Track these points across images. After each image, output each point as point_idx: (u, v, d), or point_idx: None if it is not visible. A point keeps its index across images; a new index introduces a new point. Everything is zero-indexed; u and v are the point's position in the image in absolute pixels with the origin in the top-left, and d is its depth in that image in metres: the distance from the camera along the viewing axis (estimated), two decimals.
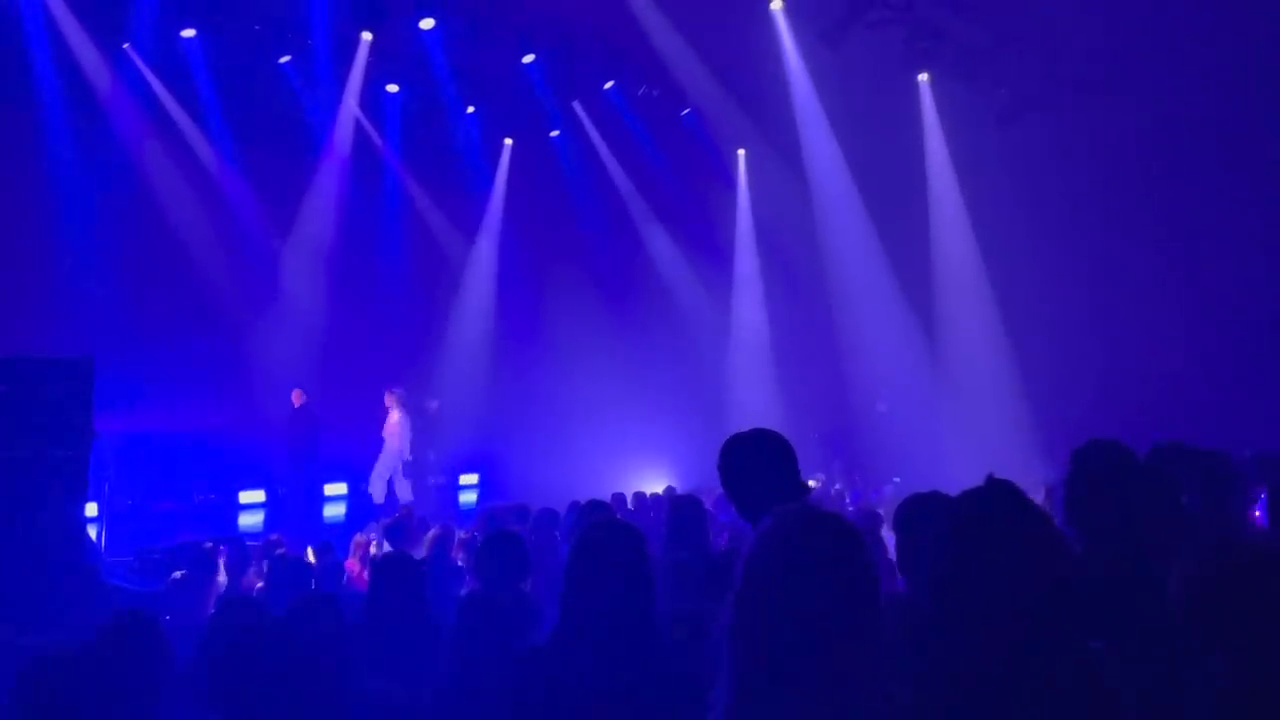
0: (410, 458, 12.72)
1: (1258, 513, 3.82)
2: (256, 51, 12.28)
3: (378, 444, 12.71)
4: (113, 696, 2.81)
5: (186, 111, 12.54)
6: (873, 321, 14.46)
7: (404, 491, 12.38)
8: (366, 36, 12.40)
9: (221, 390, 12.50)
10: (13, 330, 9.75)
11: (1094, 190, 12.75)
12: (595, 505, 5.42)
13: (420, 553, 6.07)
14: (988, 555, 1.79)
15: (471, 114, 14.35)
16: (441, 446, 14.16)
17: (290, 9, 11.72)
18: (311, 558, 7.10)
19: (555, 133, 15.35)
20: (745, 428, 3.03)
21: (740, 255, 16.57)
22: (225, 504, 11.99)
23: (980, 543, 1.82)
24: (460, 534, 6.98)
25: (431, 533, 6.53)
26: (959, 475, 3.47)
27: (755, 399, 13.76)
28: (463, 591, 4.99)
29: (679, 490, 9.81)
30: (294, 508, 11.62)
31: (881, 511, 6.82)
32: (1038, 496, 3.38)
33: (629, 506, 9.18)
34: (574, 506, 6.00)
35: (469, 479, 14.94)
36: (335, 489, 13.01)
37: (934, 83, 14.08)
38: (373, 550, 7.08)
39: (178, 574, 6.24)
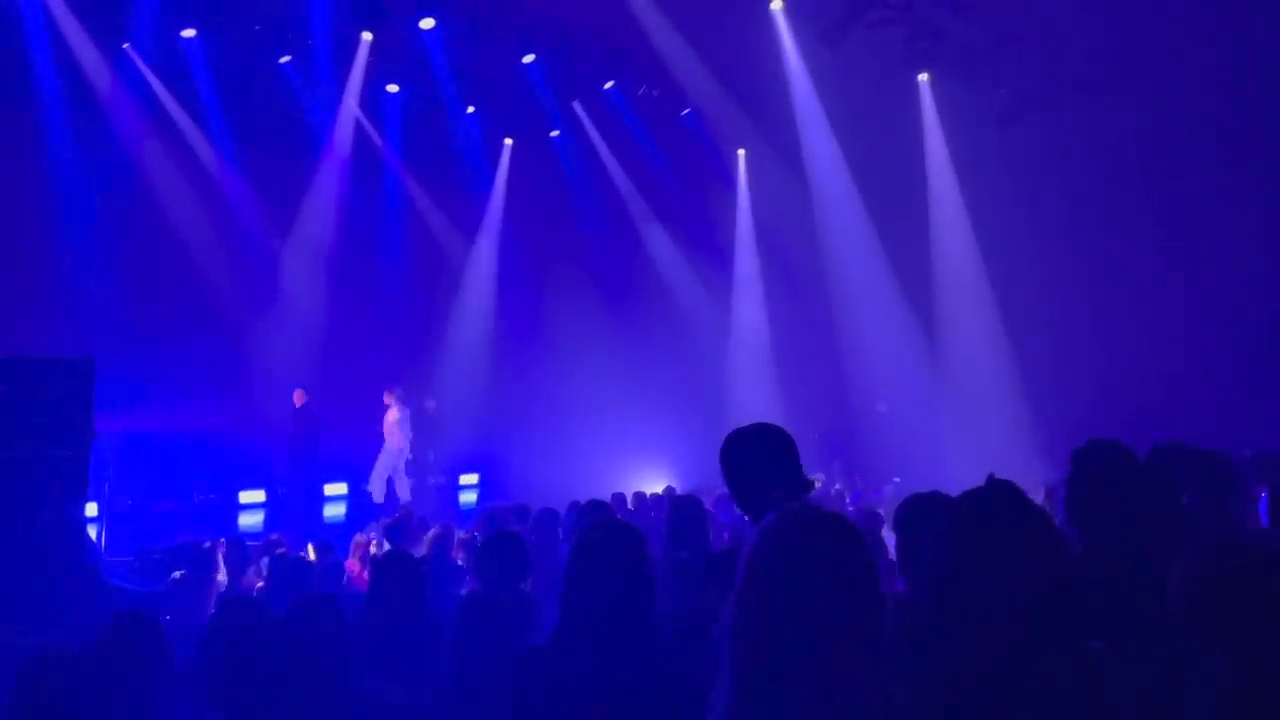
0: (411, 455, 12.73)
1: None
2: (256, 51, 12.28)
3: (378, 444, 12.73)
4: (113, 696, 2.81)
5: (186, 111, 12.54)
6: (873, 321, 14.45)
7: (404, 491, 12.39)
8: (366, 36, 12.40)
9: (221, 390, 12.50)
10: (13, 330, 9.75)
11: (1094, 190, 12.74)
12: (595, 505, 5.42)
13: (420, 552, 6.07)
14: (988, 555, 1.79)
15: (471, 114, 14.35)
16: (441, 446, 14.17)
17: (290, 9, 11.72)
18: (311, 554, 7.10)
19: (555, 133, 15.35)
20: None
21: (740, 255, 16.56)
22: (225, 504, 12.00)
23: (981, 543, 1.82)
24: (460, 534, 6.98)
25: (431, 532, 6.53)
26: (959, 475, 3.47)
27: (755, 399, 13.75)
28: (463, 591, 4.99)
29: (679, 490, 9.82)
30: (294, 508, 11.63)
31: (881, 511, 6.83)
32: (1038, 496, 3.38)
33: (629, 506, 9.18)
34: (574, 506, 6.00)
35: (469, 479, 14.94)
36: (335, 489, 13.02)
37: (934, 83, 14.08)
38: (373, 550, 7.08)
39: (177, 574, 6.25)
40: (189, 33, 11.77)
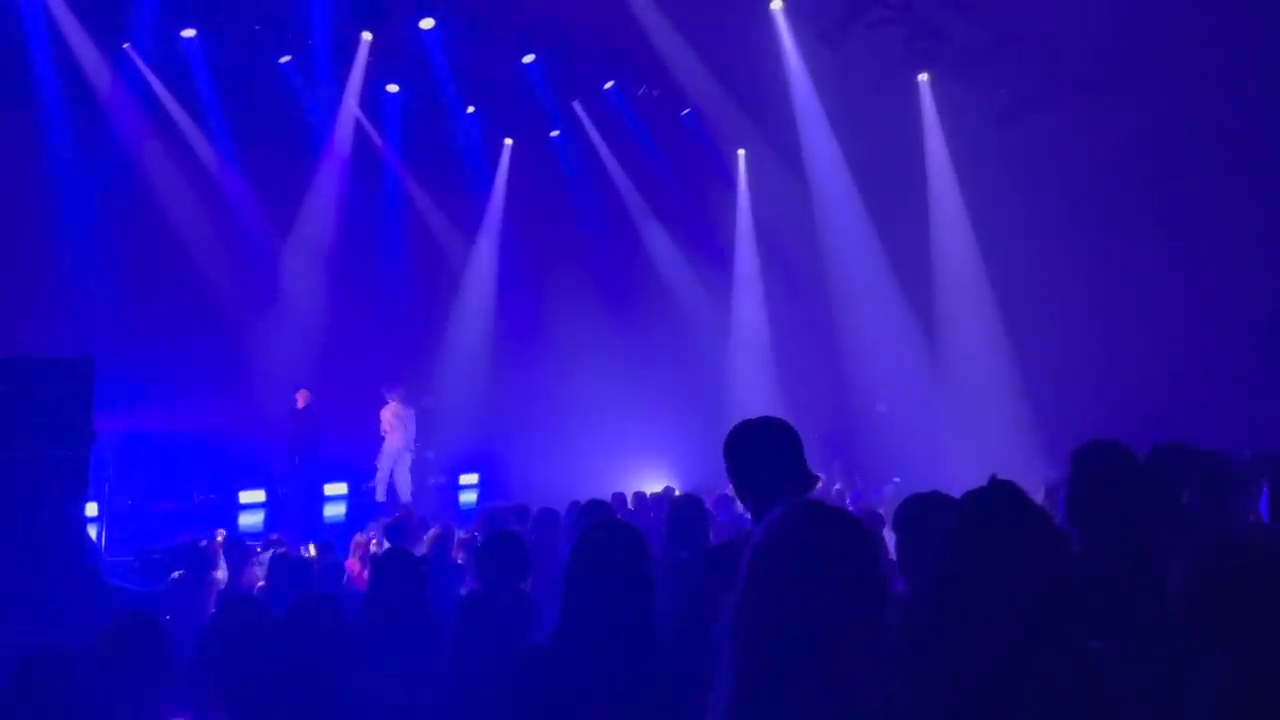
0: (413, 451, 12.73)
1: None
2: (256, 51, 12.27)
3: (378, 444, 12.74)
4: (113, 696, 2.81)
5: (186, 111, 12.54)
6: (873, 321, 14.45)
7: (405, 491, 12.39)
8: (366, 36, 12.40)
9: (221, 390, 12.50)
10: (13, 330, 9.75)
11: (1094, 190, 12.74)
12: (595, 505, 5.42)
13: (420, 552, 6.07)
14: (990, 555, 1.79)
15: (471, 114, 14.34)
16: (441, 446, 14.17)
17: (290, 9, 11.72)
18: (312, 551, 7.11)
19: (555, 133, 15.34)
20: None
21: (740, 255, 16.56)
22: (225, 504, 12.00)
23: (983, 543, 1.82)
24: (460, 534, 6.98)
25: (431, 532, 6.54)
26: (959, 475, 3.47)
27: (755, 399, 13.72)
28: (463, 591, 4.99)
29: (678, 490, 9.82)
30: (294, 508, 11.63)
31: (881, 511, 6.83)
32: (1038, 496, 3.38)
33: (629, 506, 9.18)
34: (574, 506, 6.00)
35: (469, 479, 14.95)
36: (335, 489, 13.02)
37: (934, 83, 14.07)
38: (373, 550, 7.08)
39: (176, 574, 6.25)
40: (189, 33, 11.77)
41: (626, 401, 14.17)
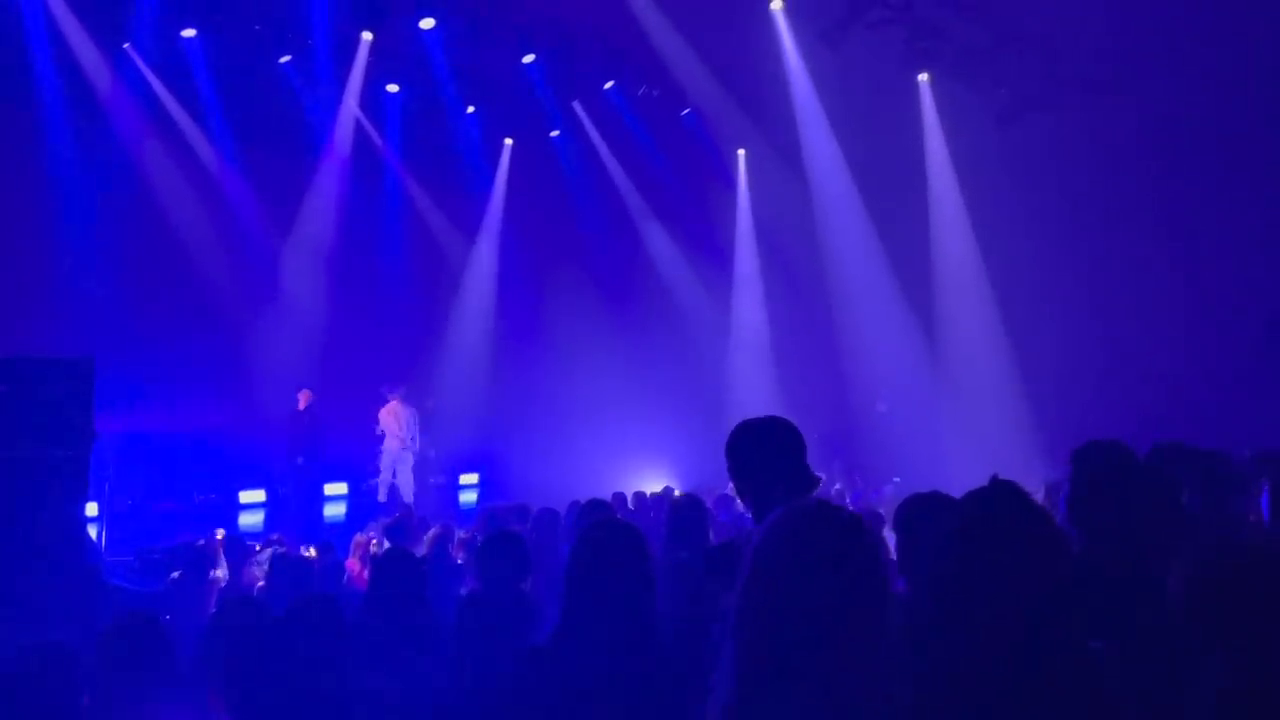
0: (416, 451, 12.72)
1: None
2: (256, 51, 12.27)
3: (377, 444, 12.75)
4: (115, 696, 2.81)
5: (186, 111, 12.53)
6: (873, 321, 14.45)
7: (407, 490, 12.37)
8: (366, 36, 12.40)
9: (221, 390, 12.49)
10: (13, 330, 9.75)
11: (1094, 190, 12.74)
12: (595, 505, 5.42)
13: (420, 552, 6.07)
14: (991, 555, 1.79)
15: (471, 114, 14.34)
16: (441, 446, 14.17)
17: (290, 9, 11.72)
18: (311, 553, 7.12)
19: (555, 133, 15.34)
20: None
21: (740, 255, 16.56)
22: (225, 504, 12.00)
23: (984, 543, 1.82)
24: (460, 533, 6.99)
25: (432, 532, 6.54)
26: (959, 475, 3.47)
27: (755, 399, 13.73)
28: (463, 591, 5.00)
29: (678, 490, 9.83)
30: (294, 508, 11.63)
31: (882, 511, 6.83)
32: (1037, 496, 3.38)
33: (629, 506, 9.18)
34: (574, 506, 6.00)
35: (469, 479, 14.95)
36: (335, 489, 13.01)
37: (934, 83, 14.07)
38: (373, 549, 7.09)
39: (175, 574, 6.26)
40: (189, 33, 11.77)
41: (626, 401, 14.17)
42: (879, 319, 14.40)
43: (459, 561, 6.26)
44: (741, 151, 16.24)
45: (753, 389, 14.73)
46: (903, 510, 3.04)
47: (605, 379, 14.36)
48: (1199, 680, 1.90)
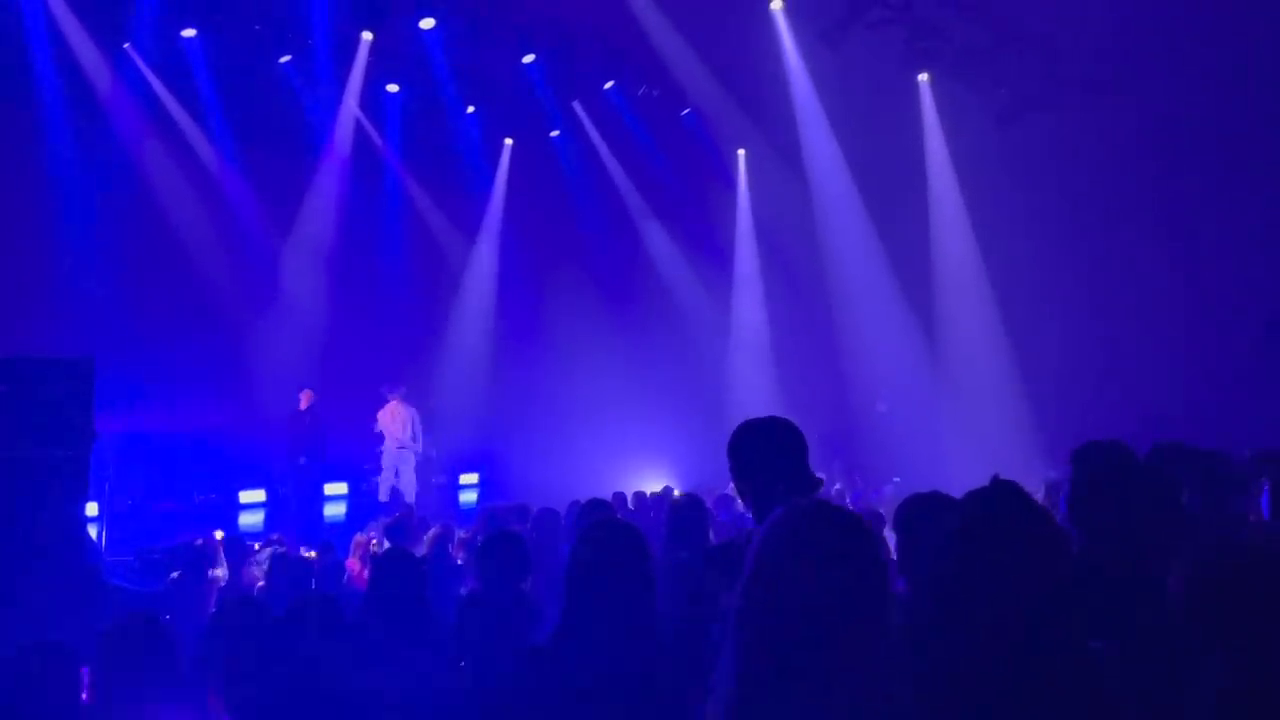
0: (418, 452, 12.71)
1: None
2: (256, 51, 12.27)
3: (377, 443, 12.74)
4: (117, 696, 2.81)
5: (186, 111, 12.53)
6: (873, 321, 14.45)
7: (410, 491, 12.35)
8: (366, 36, 12.40)
9: (221, 390, 12.49)
10: (13, 330, 9.75)
11: (1094, 190, 12.74)
12: (595, 505, 5.42)
13: (421, 552, 6.08)
14: (993, 555, 1.79)
15: (471, 114, 14.34)
16: (441, 446, 14.18)
17: (290, 9, 11.72)
18: (311, 555, 7.12)
19: (555, 133, 15.34)
20: None
21: (740, 255, 16.56)
22: (225, 504, 12.00)
23: (986, 543, 1.82)
24: (460, 533, 6.99)
25: (432, 532, 6.55)
26: (959, 475, 3.47)
27: (755, 399, 13.73)
28: (463, 591, 5.00)
29: (678, 490, 9.82)
30: (294, 508, 11.63)
31: (882, 511, 6.83)
32: (1037, 496, 3.38)
33: (629, 506, 9.18)
34: (574, 506, 6.00)
35: (469, 479, 14.95)
36: (335, 489, 13.01)
37: (934, 83, 14.07)
38: (373, 549, 7.09)
39: (174, 575, 6.26)
40: (189, 33, 11.76)
41: (626, 401, 14.17)
42: (879, 319, 14.40)
43: (459, 561, 6.26)
44: (741, 151, 16.24)
45: (753, 389, 14.73)
46: (903, 510, 3.04)
47: (605, 379, 14.36)
48: (1199, 680, 1.90)
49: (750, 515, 2.99)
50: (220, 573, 6.53)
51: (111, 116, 11.71)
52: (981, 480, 1.97)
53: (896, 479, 11.88)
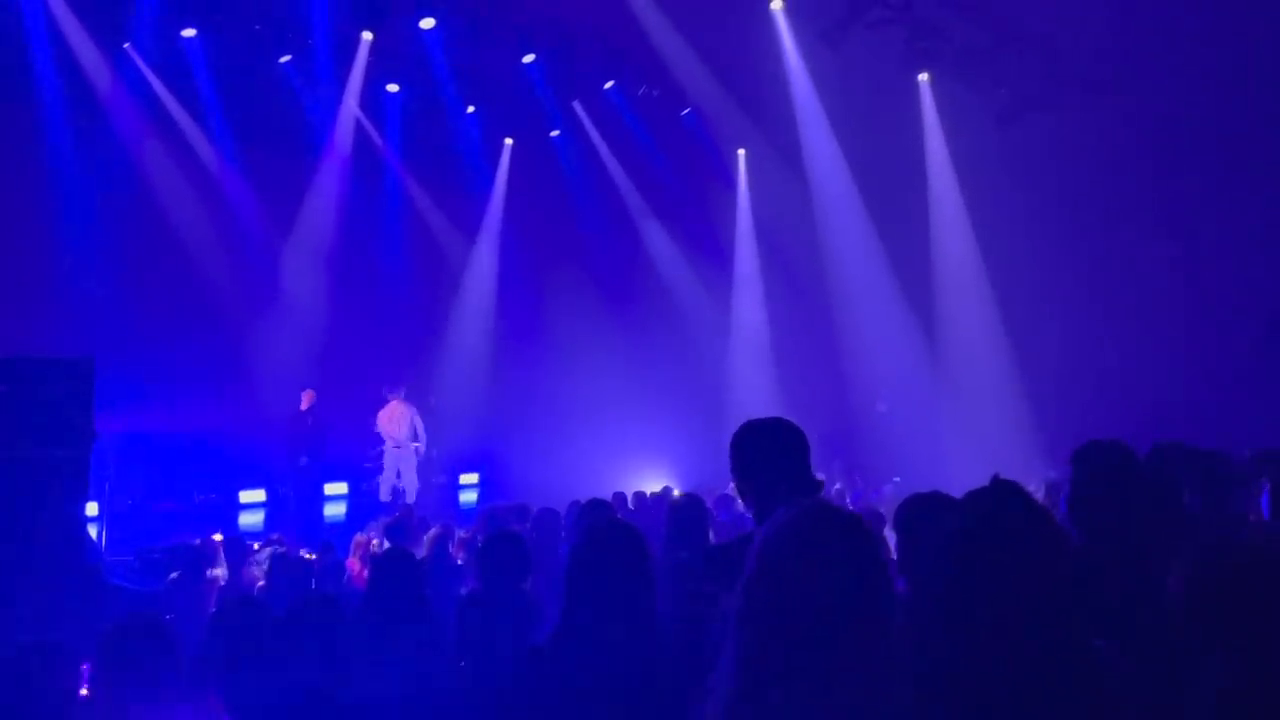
0: (420, 452, 12.71)
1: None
2: (256, 51, 12.27)
3: (377, 443, 12.74)
4: (118, 696, 2.81)
5: (187, 111, 12.53)
6: (873, 321, 14.45)
7: (411, 491, 12.33)
8: (366, 36, 12.40)
9: (221, 390, 12.49)
10: (13, 330, 9.75)
11: (1094, 190, 12.74)
12: (595, 505, 5.42)
13: (420, 552, 6.08)
14: (995, 555, 1.79)
15: (471, 114, 14.34)
16: (441, 446, 14.18)
17: (290, 9, 11.72)
18: (311, 558, 7.12)
19: (555, 133, 15.34)
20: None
21: (740, 255, 16.56)
22: (225, 504, 12.00)
23: (987, 543, 1.82)
24: (460, 533, 6.99)
25: (432, 532, 6.55)
26: (959, 475, 3.47)
27: (755, 399, 13.73)
28: (463, 591, 5.00)
29: (678, 491, 9.82)
30: (294, 508, 11.63)
31: (882, 511, 6.83)
32: (1037, 496, 3.38)
33: (629, 506, 9.18)
34: (574, 506, 6.00)
35: (469, 479, 14.95)
36: (335, 489, 13.01)
37: (934, 83, 14.07)
38: (373, 549, 7.09)
39: (173, 575, 6.26)
40: (189, 32, 11.76)
41: (626, 401, 14.17)
42: (879, 319, 14.40)
43: (459, 562, 6.26)
44: (741, 151, 16.24)
45: (753, 389, 14.73)
46: (903, 510, 3.04)
47: (605, 379, 14.36)
48: (1199, 680, 1.90)
49: (750, 515, 2.99)
50: (220, 572, 6.54)
51: (111, 116, 11.71)
52: (981, 480, 1.97)
53: (896, 479, 11.88)
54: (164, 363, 11.67)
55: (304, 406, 11.82)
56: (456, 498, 14.36)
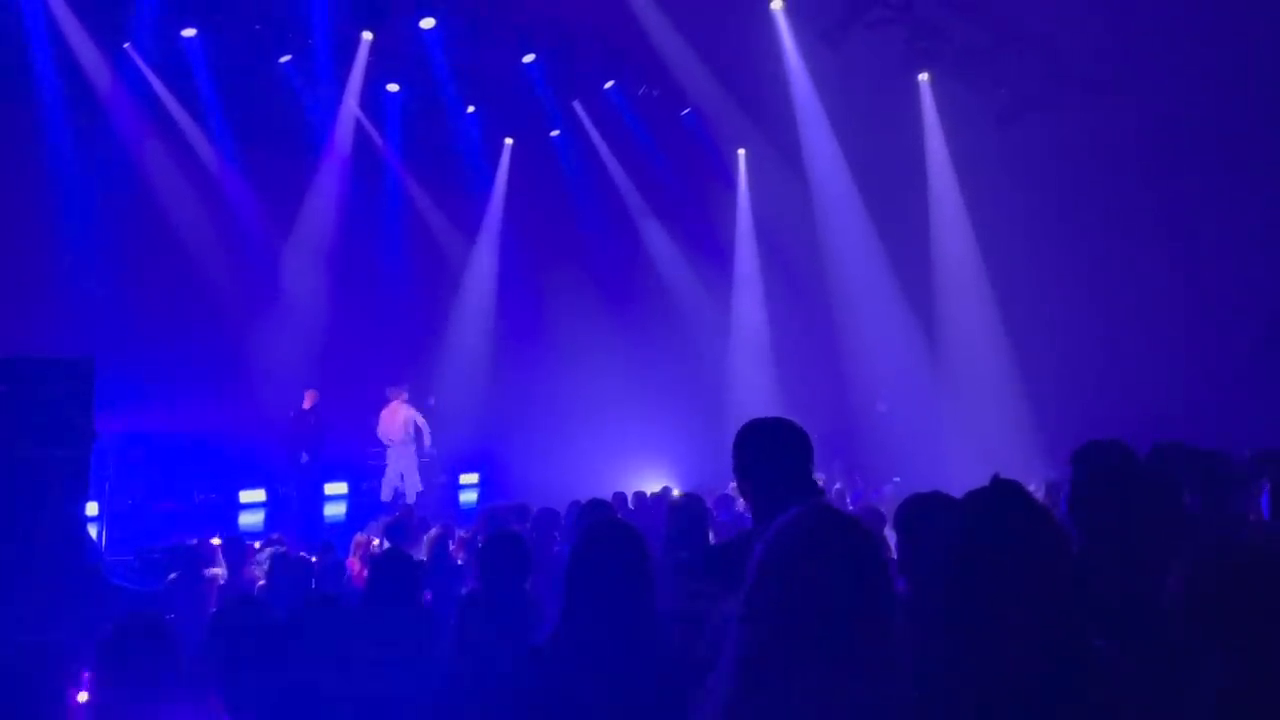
0: (422, 452, 12.69)
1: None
2: (256, 51, 12.27)
3: (377, 443, 12.73)
4: (119, 697, 2.81)
5: (187, 111, 12.53)
6: (873, 321, 14.46)
7: (412, 491, 12.31)
8: (367, 36, 12.40)
9: (221, 390, 12.49)
10: (13, 330, 9.75)
11: (1094, 190, 12.75)
12: (595, 505, 5.42)
13: (420, 552, 6.08)
14: (995, 555, 1.79)
15: (471, 114, 14.34)
16: (441, 446, 14.18)
17: (290, 9, 11.72)
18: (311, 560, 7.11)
19: (555, 133, 15.35)
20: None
21: (740, 255, 16.57)
22: (225, 504, 12.00)
23: (986, 543, 1.82)
24: (460, 533, 7.00)
25: (432, 532, 6.55)
26: (959, 475, 3.47)
27: (755, 399, 13.73)
28: (463, 591, 5.00)
29: (677, 491, 9.82)
30: (294, 507, 11.62)
31: (883, 511, 6.82)
32: (1038, 494, 3.38)
33: (629, 506, 9.18)
34: (574, 506, 6.00)
35: (469, 479, 14.95)
36: (335, 489, 13.01)
37: (934, 83, 14.08)
38: (373, 549, 7.09)
39: (172, 575, 6.27)
40: (189, 32, 11.76)
41: (626, 401, 14.17)
42: (879, 319, 14.40)
43: (459, 562, 6.27)
44: (741, 151, 16.24)
45: (753, 389, 14.74)
46: (903, 510, 3.04)
47: (605, 379, 14.36)
48: (1199, 680, 1.90)
49: (750, 515, 2.99)
50: (219, 571, 6.54)
51: (111, 116, 11.71)
52: (981, 480, 1.97)
53: (896, 479, 11.88)
54: (164, 363, 11.67)
55: (307, 406, 11.81)
56: (456, 498, 14.36)
